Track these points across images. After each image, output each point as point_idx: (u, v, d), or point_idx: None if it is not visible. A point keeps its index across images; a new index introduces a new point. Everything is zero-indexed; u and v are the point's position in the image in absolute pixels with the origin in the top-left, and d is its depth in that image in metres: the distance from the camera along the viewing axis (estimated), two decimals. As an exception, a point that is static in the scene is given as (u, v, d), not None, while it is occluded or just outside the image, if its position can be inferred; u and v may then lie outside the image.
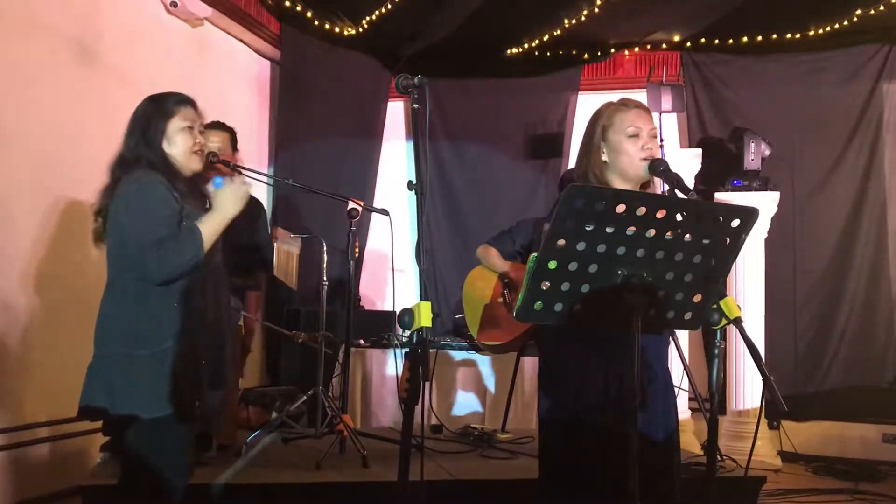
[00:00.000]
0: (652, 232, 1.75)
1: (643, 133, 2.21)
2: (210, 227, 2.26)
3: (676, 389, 4.16)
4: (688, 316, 1.92)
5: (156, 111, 2.39)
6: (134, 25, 4.47)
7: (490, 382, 5.34)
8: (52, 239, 3.86)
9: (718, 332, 2.10)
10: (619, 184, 2.26)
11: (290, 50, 5.73)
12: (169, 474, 2.22)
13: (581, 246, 1.73)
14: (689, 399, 5.10)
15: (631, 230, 1.73)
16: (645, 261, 1.78)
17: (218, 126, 3.62)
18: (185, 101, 2.43)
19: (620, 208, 1.70)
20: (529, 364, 4.74)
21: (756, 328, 5.04)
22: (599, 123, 2.29)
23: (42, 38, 3.83)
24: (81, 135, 4.02)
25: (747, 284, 5.12)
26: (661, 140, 4.61)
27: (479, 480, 3.22)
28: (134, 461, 2.24)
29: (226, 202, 2.30)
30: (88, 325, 3.33)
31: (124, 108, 4.24)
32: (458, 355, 5.27)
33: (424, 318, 1.75)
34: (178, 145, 2.36)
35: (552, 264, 1.74)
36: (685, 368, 4.27)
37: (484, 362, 5.35)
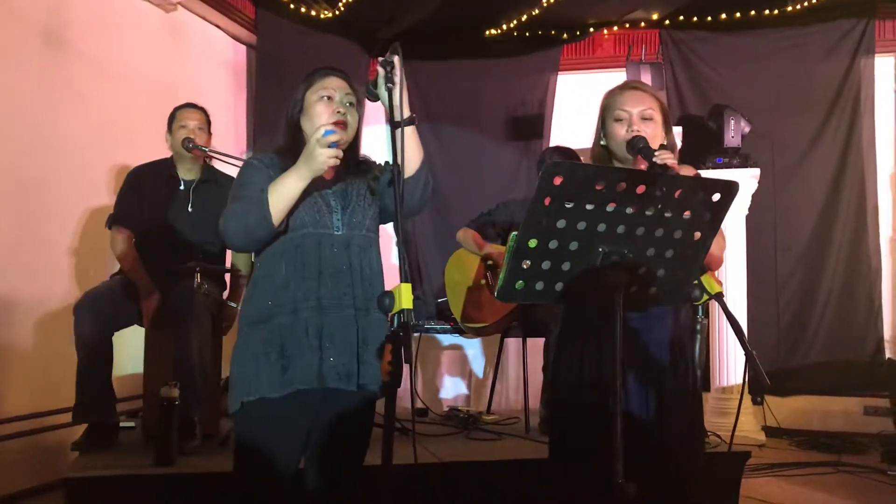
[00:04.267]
0: (632, 208, 1.73)
1: (632, 115, 2.20)
2: (280, 187, 2.00)
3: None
4: (670, 292, 1.91)
5: (300, 84, 2.20)
6: (105, 11, 4.39)
7: (475, 365, 5.35)
8: (26, 228, 3.80)
9: (700, 308, 2.10)
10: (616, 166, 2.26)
11: (267, 34, 5.66)
12: (266, 463, 2.06)
13: (561, 223, 1.71)
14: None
15: (611, 206, 1.72)
16: (626, 237, 1.77)
17: (193, 106, 3.63)
18: (331, 71, 2.21)
19: (600, 185, 1.68)
20: (513, 346, 4.75)
21: (739, 305, 5.07)
22: (601, 108, 2.30)
23: (11, 24, 3.75)
24: (54, 122, 3.96)
25: (729, 262, 5.14)
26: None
27: (465, 462, 3.21)
28: (236, 445, 2.13)
29: (305, 157, 1.99)
30: (66, 316, 3.31)
31: (97, 95, 4.24)
32: (443, 339, 5.27)
33: (405, 300, 1.73)
34: (314, 117, 2.14)
35: (532, 243, 1.73)
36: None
37: (468, 345, 5.36)
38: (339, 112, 2.15)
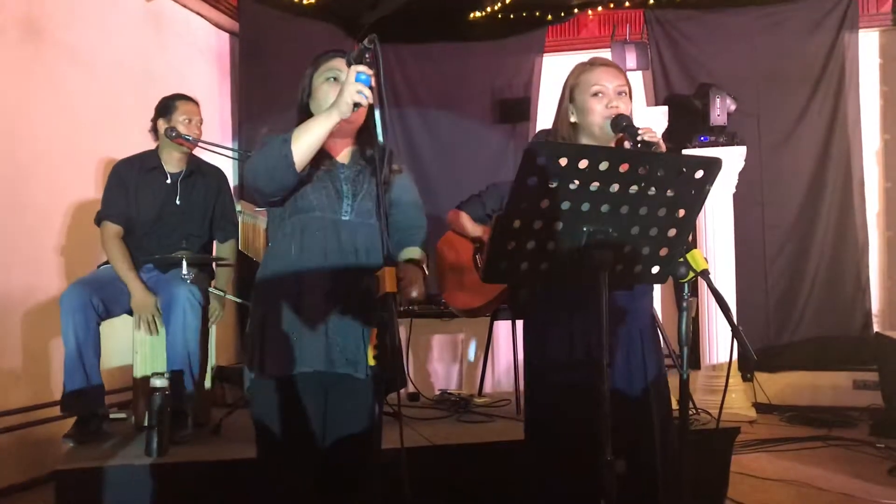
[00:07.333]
0: (616, 186, 1.73)
1: (608, 91, 2.19)
2: (305, 126, 1.97)
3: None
4: (655, 270, 1.91)
5: (306, 70, 2.20)
6: (85, 1, 4.34)
7: (466, 348, 5.35)
8: (9, 221, 3.77)
9: (686, 285, 2.10)
10: (589, 143, 2.24)
11: (249, 21, 5.61)
12: (283, 442, 2.06)
13: (545, 203, 1.71)
14: (664, 356, 5.15)
15: (595, 185, 1.72)
16: (610, 216, 1.77)
17: (189, 98, 3.61)
18: (336, 53, 2.18)
19: (583, 164, 1.68)
20: (504, 328, 4.74)
21: (727, 283, 5.09)
22: (568, 85, 2.28)
23: (-12, 16, 3.71)
24: (33, 115, 3.92)
25: (717, 240, 5.16)
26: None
27: (457, 445, 3.21)
28: (254, 424, 2.13)
29: (337, 97, 1.96)
30: (54, 309, 3.29)
31: (77, 87, 4.21)
32: (433, 322, 5.26)
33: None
34: (321, 99, 2.12)
35: (516, 223, 1.73)
36: (658, 325, 4.30)
37: (459, 328, 5.36)
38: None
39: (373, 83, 1.93)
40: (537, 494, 2.16)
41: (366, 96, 1.91)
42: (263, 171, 1.99)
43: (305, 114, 2.16)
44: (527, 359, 2.30)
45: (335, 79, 2.13)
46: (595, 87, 2.20)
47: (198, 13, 5.37)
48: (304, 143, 1.95)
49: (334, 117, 1.95)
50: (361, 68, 1.91)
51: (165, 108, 3.53)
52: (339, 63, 2.14)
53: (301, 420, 2.08)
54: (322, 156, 2.07)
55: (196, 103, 3.61)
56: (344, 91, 1.93)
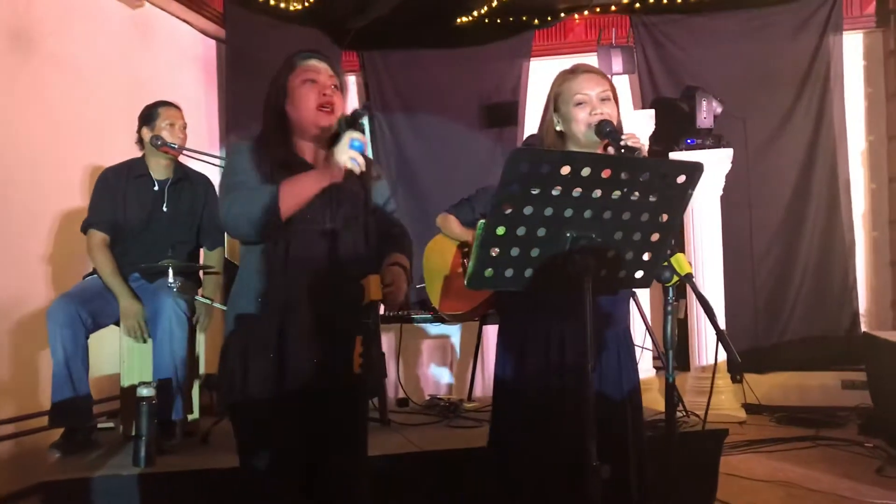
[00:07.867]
0: (598, 192, 1.74)
1: (591, 98, 2.20)
2: (294, 186, 1.93)
3: (639, 349, 4.25)
4: (638, 275, 1.92)
5: (281, 70, 2.12)
6: (71, 9, 4.32)
7: (456, 353, 5.35)
8: (-3, 232, 3.76)
9: (673, 288, 2.11)
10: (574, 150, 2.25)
11: (235, 28, 5.61)
12: (267, 459, 2.03)
13: (528, 210, 1.72)
14: (654, 358, 5.17)
15: (577, 191, 1.73)
16: (593, 221, 1.77)
17: (175, 105, 3.60)
18: (312, 54, 2.13)
19: (565, 170, 1.69)
20: (493, 332, 4.74)
21: (715, 285, 5.11)
22: (552, 94, 2.28)
23: (-27, 25, 3.70)
24: (20, 122, 3.91)
25: (705, 242, 5.18)
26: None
27: (446, 450, 3.21)
28: (237, 441, 2.09)
29: (331, 160, 1.95)
30: (39, 320, 3.27)
31: (63, 95, 4.20)
32: (423, 327, 5.26)
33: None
34: (299, 101, 2.07)
35: (500, 230, 1.73)
36: (647, 328, 4.32)
37: (449, 333, 5.36)
38: (324, 94, 2.07)
39: (366, 150, 1.93)
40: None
41: (358, 163, 1.91)
42: (247, 223, 1.94)
43: (280, 118, 2.10)
44: (499, 362, 2.31)
45: (312, 81, 2.08)
46: (578, 95, 2.20)
47: (184, 20, 5.37)
48: (292, 204, 1.93)
49: (325, 181, 1.95)
50: (356, 135, 1.91)
51: (148, 116, 3.54)
52: (315, 63, 2.10)
53: (287, 430, 2.05)
54: (299, 164, 2.06)
55: (178, 108, 3.60)
56: (337, 156, 1.92)
